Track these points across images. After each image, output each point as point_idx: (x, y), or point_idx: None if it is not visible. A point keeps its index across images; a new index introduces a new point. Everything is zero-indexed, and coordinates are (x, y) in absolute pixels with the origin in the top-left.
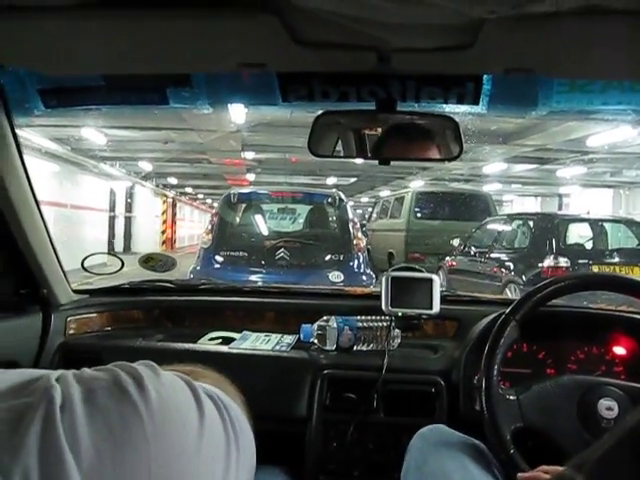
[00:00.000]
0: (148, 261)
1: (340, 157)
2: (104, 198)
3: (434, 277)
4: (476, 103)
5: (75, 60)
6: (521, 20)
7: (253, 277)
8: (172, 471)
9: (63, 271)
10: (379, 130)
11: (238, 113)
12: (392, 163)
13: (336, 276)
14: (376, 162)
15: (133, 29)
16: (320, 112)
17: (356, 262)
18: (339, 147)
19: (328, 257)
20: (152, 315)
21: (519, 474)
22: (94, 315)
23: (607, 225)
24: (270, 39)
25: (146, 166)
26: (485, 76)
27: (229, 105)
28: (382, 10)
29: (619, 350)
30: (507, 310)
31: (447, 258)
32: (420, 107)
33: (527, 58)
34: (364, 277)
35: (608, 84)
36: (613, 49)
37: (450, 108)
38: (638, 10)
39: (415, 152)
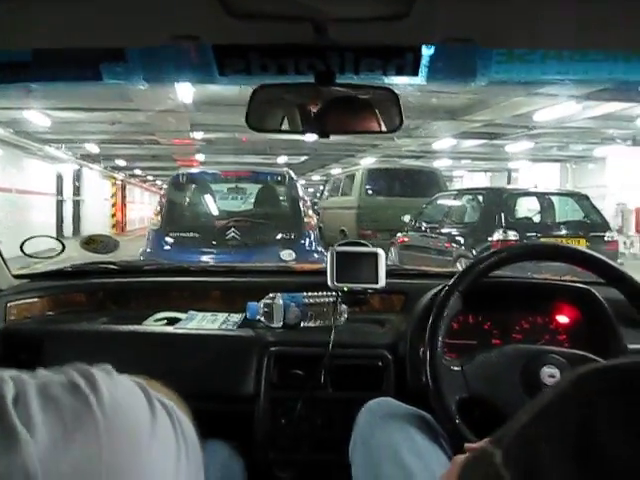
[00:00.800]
0: (89, 243)
1: (279, 132)
2: (51, 182)
3: (379, 251)
4: (415, 74)
5: (2, 34)
6: None
7: (204, 257)
8: (124, 463)
9: (2, 256)
10: (319, 104)
11: (185, 92)
12: (342, 140)
13: (287, 254)
14: (326, 140)
15: (63, 2)
16: (257, 86)
17: (307, 240)
18: (278, 121)
19: (279, 236)
20: (96, 298)
21: (466, 444)
22: (35, 300)
23: (554, 199)
24: (203, 11)
25: (93, 148)
26: (424, 47)
27: (175, 84)
28: None
29: (562, 319)
30: (450, 282)
31: (398, 234)
32: (360, 79)
33: (465, 28)
34: (315, 255)
35: (547, 54)
36: (552, 19)
37: (390, 80)
38: None
39: (355, 125)
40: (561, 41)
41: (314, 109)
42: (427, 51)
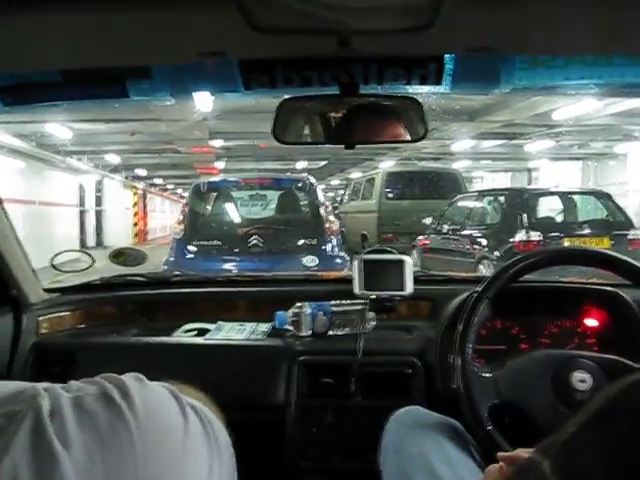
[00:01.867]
0: (118, 256)
1: (305, 143)
2: (73, 193)
3: (406, 258)
4: (439, 83)
5: (32, 56)
6: None
7: (227, 265)
8: (158, 469)
9: (32, 270)
10: (344, 114)
11: (204, 101)
12: (361, 145)
13: (310, 260)
14: (342, 146)
15: (90, 22)
16: (283, 98)
17: (329, 245)
18: (304, 133)
19: (301, 242)
20: (125, 310)
21: (499, 453)
22: (66, 313)
23: (576, 197)
24: (229, 27)
25: (114, 159)
26: (447, 56)
27: (193, 94)
28: None
29: (591, 322)
30: (479, 288)
31: (420, 237)
32: (383, 89)
33: (488, 37)
34: (338, 260)
35: (570, 59)
36: (574, 24)
37: (413, 89)
38: None
39: (380, 134)
40: (583, 46)
41: (339, 120)
42: (450, 60)
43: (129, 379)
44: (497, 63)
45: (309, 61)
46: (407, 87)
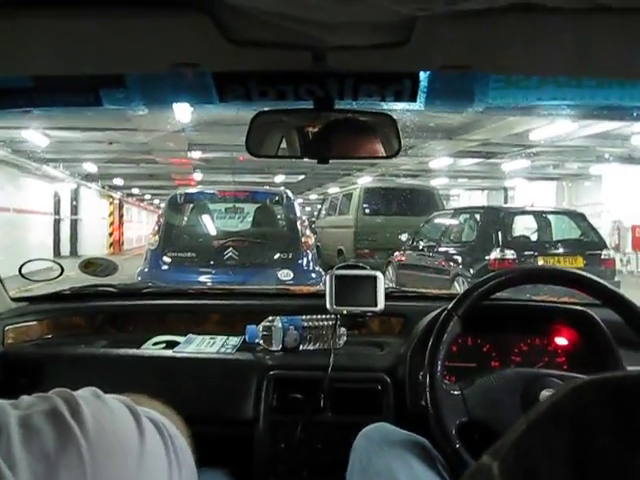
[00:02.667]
0: (88, 266)
1: (279, 157)
2: (49, 201)
3: (378, 274)
4: (413, 100)
5: (2, 61)
6: (455, 17)
7: (202, 277)
8: None
9: (0, 280)
10: (318, 129)
11: (183, 112)
12: (339, 160)
13: (285, 274)
14: (322, 164)
15: (64, 29)
16: (256, 112)
17: (305, 260)
18: (278, 147)
19: (277, 256)
20: (95, 321)
21: None
22: (33, 323)
23: (551, 217)
24: (203, 39)
25: (91, 167)
26: (422, 73)
27: (170, 105)
28: (316, 9)
29: (561, 341)
30: (449, 306)
31: (396, 253)
32: (358, 105)
33: (462, 55)
34: (313, 275)
35: (543, 80)
36: (548, 45)
37: (388, 105)
38: (572, 7)
39: (355, 150)
40: (557, 68)
41: (313, 134)
42: (425, 77)
43: (83, 394)
44: (471, 81)
45: (284, 75)
46: (382, 103)
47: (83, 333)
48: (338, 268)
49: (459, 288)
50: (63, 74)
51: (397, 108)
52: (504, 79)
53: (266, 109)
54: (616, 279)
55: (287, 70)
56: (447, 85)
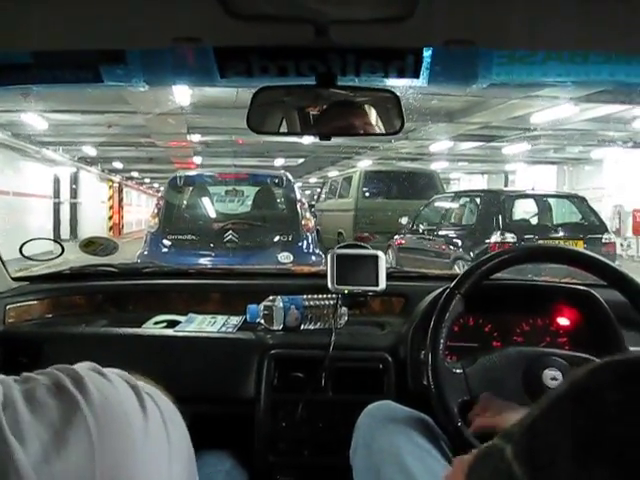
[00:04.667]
0: (89, 245)
1: (280, 134)
2: (48, 184)
3: (379, 254)
4: (417, 76)
5: (1, 36)
6: None
7: (202, 260)
8: (118, 461)
9: (1, 259)
10: (320, 105)
11: (182, 94)
12: (339, 143)
13: (285, 257)
14: (323, 142)
15: (63, 2)
16: (258, 88)
17: (305, 242)
18: (279, 124)
19: (277, 238)
20: (95, 301)
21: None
22: (34, 302)
23: (552, 201)
24: (205, 13)
25: (90, 151)
26: (425, 49)
27: (172, 86)
28: None
29: (563, 321)
30: (452, 284)
31: (396, 236)
32: (361, 81)
33: (467, 30)
34: (313, 257)
35: (548, 56)
36: (553, 20)
37: (391, 82)
38: None
39: (357, 127)
40: (562, 43)
41: (315, 111)
42: (428, 53)
43: (83, 369)
44: (475, 57)
45: (286, 50)
46: (385, 79)
47: (84, 312)
48: (339, 247)
49: (459, 271)
50: (63, 49)
51: (400, 85)
52: (508, 55)
53: (268, 85)
54: (616, 263)
55: (289, 45)
56: (451, 61)
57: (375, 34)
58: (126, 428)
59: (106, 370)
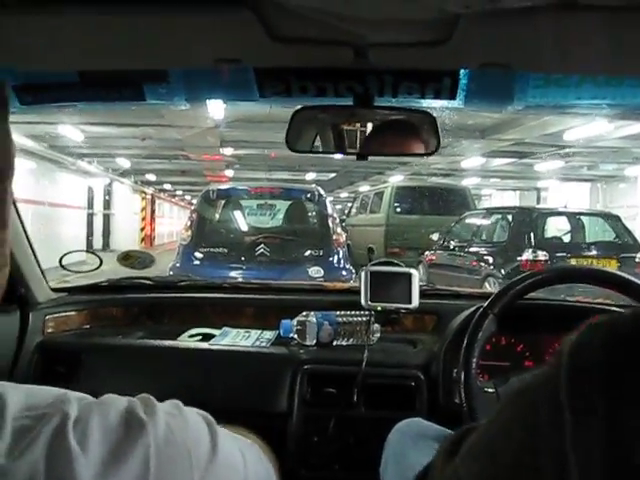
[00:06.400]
0: (127, 259)
1: (318, 152)
2: (82, 195)
3: (413, 271)
4: (453, 98)
5: (50, 56)
6: (496, 15)
7: (233, 273)
8: None
9: (41, 269)
10: (357, 125)
11: (216, 109)
12: (371, 158)
13: (316, 271)
14: (354, 157)
15: (109, 24)
16: (298, 107)
17: (336, 257)
18: (317, 142)
19: (308, 252)
20: (131, 312)
21: None
22: (73, 313)
23: (584, 218)
24: (246, 35)
25: (124, 163)
26: (462, 71)
27: (211, 101)
28: (358, 5)
29: None
30: (485, 304)
31: (427, 252)
32: (397, 102)
33: (503, 53)
34: (344, 272)
35: (583, 79)
36: (589, 44)
37: (427, 103)
38: (612, 5)
39: (393, 147)
40: (596, 67)
41: (352, 131)
42: (465, 75)
43: (162, 404)
44: (511, 80)
45: (324, 71)
46: (421, 101)
47: (120, 324)
48: (373, 264)
49: (490, 288)
50: (108, 69)
51: (436, 106)
52: (544, 77)
53: (307, 105)
54: None
55: (327, 66)
56: (487, 83)
57: (413, 57)
58: (186, 462)
59: (187, 408)
